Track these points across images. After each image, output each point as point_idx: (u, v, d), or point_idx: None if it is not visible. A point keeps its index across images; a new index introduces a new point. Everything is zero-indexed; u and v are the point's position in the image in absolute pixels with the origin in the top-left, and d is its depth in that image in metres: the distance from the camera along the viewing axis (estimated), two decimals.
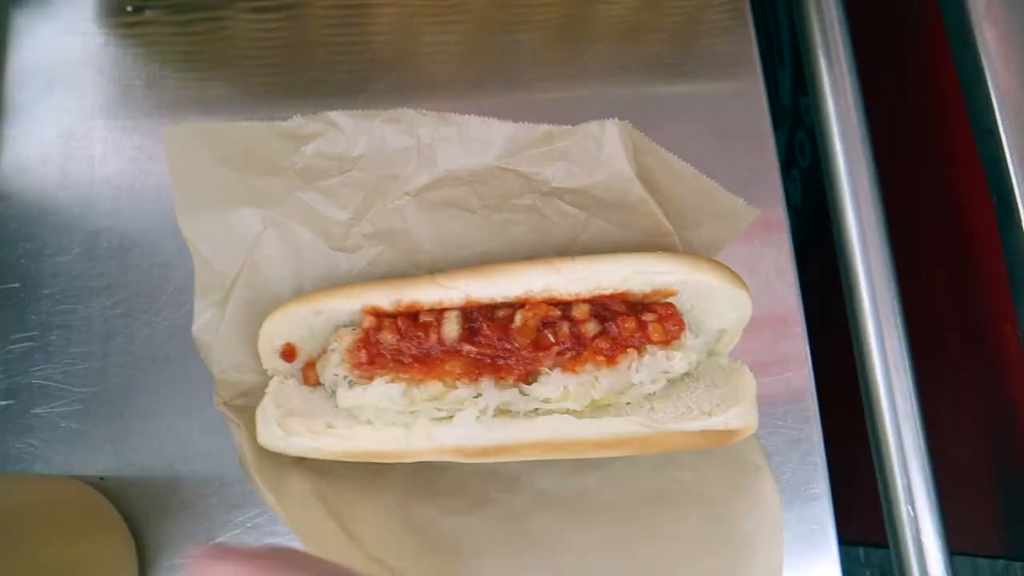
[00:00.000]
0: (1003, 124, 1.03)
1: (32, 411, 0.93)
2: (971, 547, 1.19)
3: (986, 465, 1.18)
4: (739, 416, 0.81)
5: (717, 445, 0.82)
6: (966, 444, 1.20)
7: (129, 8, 1.05)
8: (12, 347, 0.95)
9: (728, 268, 0.85)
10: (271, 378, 0.86)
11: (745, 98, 1.04)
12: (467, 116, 0.87)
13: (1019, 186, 1.01)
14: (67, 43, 1.05)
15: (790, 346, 0.97)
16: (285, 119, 0.88)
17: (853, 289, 1.03)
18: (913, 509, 0.94)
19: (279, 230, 0.89)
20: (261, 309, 0.87)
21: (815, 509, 0.92)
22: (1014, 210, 1.02)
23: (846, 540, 0.92)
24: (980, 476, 1.19)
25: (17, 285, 0.97)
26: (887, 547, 0.96)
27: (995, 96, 1.03)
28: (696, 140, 0.95)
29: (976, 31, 1.03)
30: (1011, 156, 1.02)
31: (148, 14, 1.05)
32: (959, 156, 1.15)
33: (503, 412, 0.81)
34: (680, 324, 0.84)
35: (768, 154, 1.03)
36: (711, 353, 0.88)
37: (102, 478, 0.91)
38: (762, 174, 1.02)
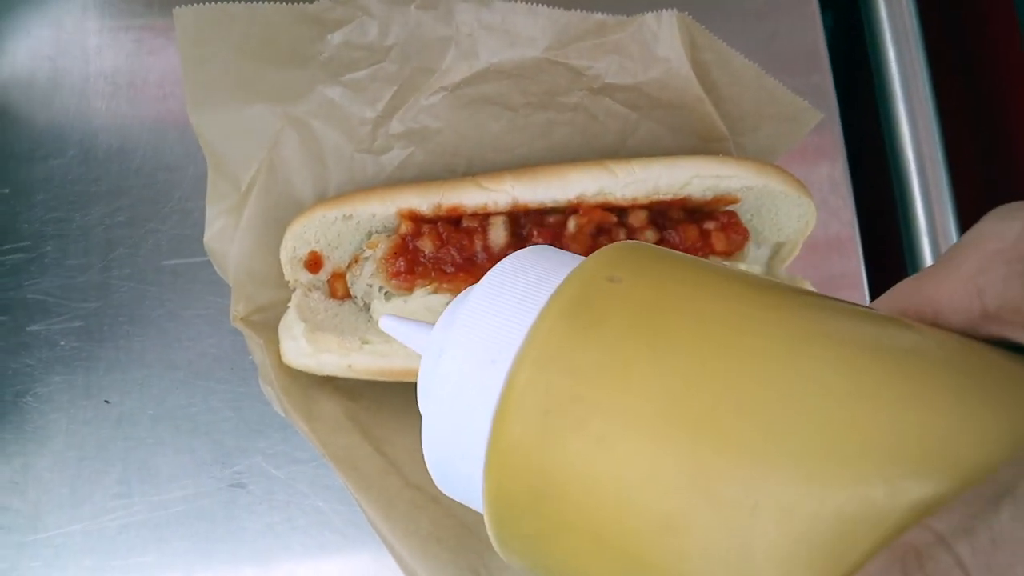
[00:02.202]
0: None
1: (28, 328, 0.85)
2: None
3: None
4: None
5: None
6: None
7: None
8: (3, 259, 0.87)
9: (793, 175, 0.78)
10: (293, 291, 0.78)
11: (797, 6, 0.97)
12: (512, 3, 0.79)
13: None
14: None
15: (845, 264, 0.91)
16: (310, 1, 0.79)
17: (908, 207, 0.97)
18: None
19: (300, 129, 0.81)
20: (280, 216, 0.79)
21: None
22: None
23: None
24: None
25: (7, 191, 0.88)
26: None
27: None
28: (744, 47, 0.87)
29: None
30: None
31: None
32: (1008, 70, 1.09)
33: None
34: (744, 233, 0.77)
35: (821, 64, 0.96)
36: (775, 264, 0.81)
37: (107, 401, 0.83)
38: (813, 85, 0.95)
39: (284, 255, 0.77)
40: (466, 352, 0.39)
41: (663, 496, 0.32)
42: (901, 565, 0.25)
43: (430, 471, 0.43)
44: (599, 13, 0.79)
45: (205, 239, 0.79)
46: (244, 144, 0.80)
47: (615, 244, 0.41)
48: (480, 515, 0.74)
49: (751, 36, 0.95)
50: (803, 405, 0.32)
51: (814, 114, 0.84)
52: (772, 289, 0.37)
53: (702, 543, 0.31)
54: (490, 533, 0.40)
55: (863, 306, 0.37)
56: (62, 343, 0.85)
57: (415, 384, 0.77)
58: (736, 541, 0.31)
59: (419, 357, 0.73)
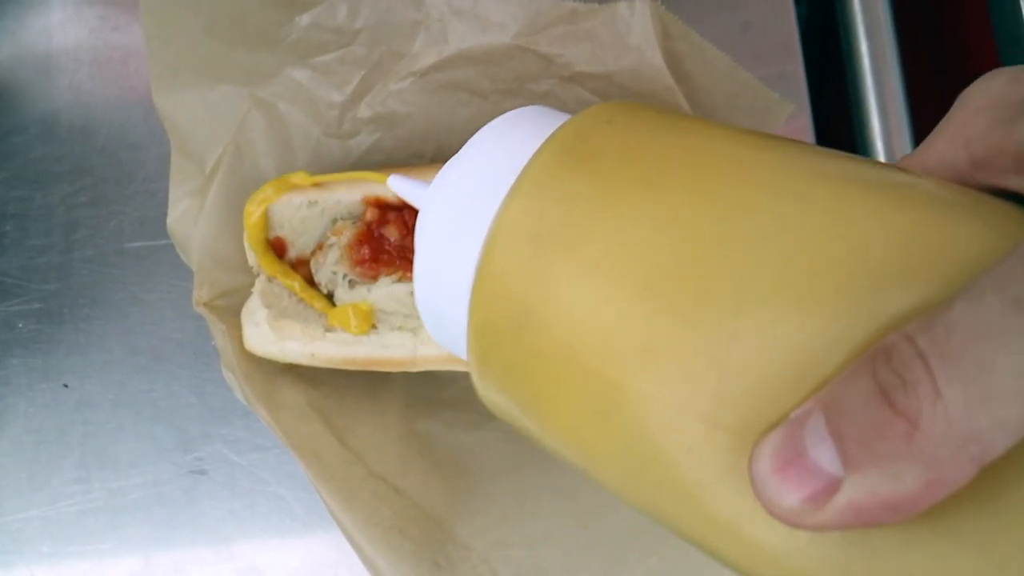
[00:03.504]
0: None
1: None
2: None
3: None
4: None
5: None
6: None
7: None
8: None
9: None
10: (257, 276, 0.77)
11: None
12: None
13: None
14: None
15: None
16: None
17: None
18: None
19: (267, 112, 0.79)
20: (246, 199, 0.78)
21: None
22: None
23: None
24: None
25: None
26: None
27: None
28: (716, 36, 0.87)
29: None
30: None
31: None
32: (981, 65, 1.09)
33: None
34: None
35: (793, 53, 0.96)
36: None
37: (66, 385, 0.82)
38: (786, 74, 0.95)
39: (247, 238, 0.76)
40: (460, 188, 0.40)
41: (646, 319, 0.33)
42: (871, 363, 0.28)
43: (421, 317, 0.43)
44: (571, 0, 0.78)
45: (168, 222, 0.77)
46: (209, 125, 0.79)
47: (620, 102, 0.41)
48: (444, 505, 0.74)
49: (724, 25, 0.94)
50: (791, 234, 0.32)
51: (785, 106, 0.83)
52: (765, 136, 0.38)
53: (681, 366, 0.32)
54: (471, 368, 0.40)
55: (857, 156, 0.38)
56: (20, 325, 0.83)
57: (379, 373, 0.77)
58: (716, 364, 0.31)
59: (384, 346, 0.73)
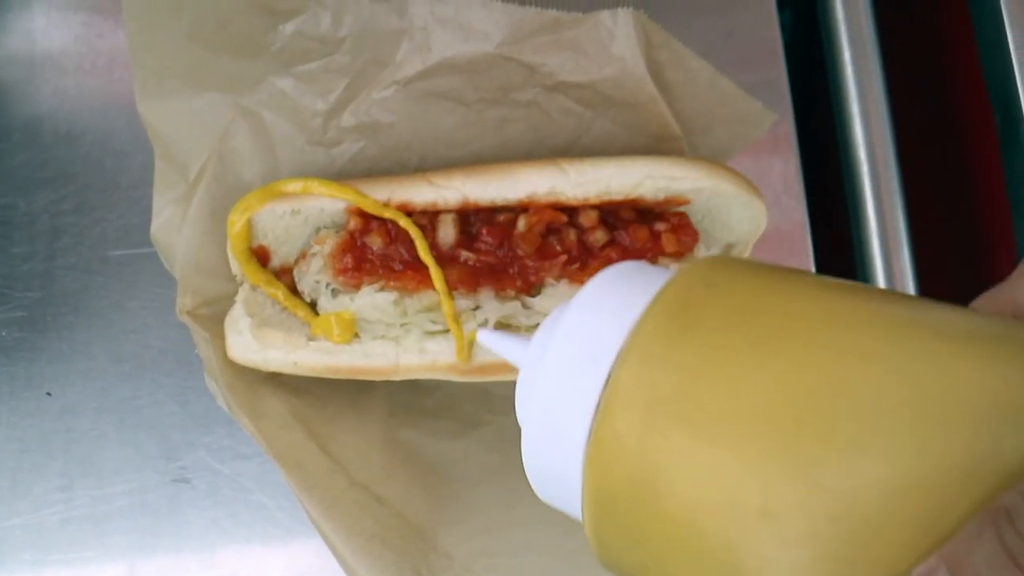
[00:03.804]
0: (1011, 39, 0.97)
1: None
2: None
3: None
4: None
5: None
6: None
7: None
8: None
9: (745, 176, 0.78)
10: (240, 285, 0.77)
11: (754, 4, 0.97)
12: None
13: None
14: None
15: (796, 262, 0.92)
16: None
17: (859, 207, 0.98)
18: None
19: (250, 120, 0.79)
20: (229, 207, 0.78)
21: None
22: (1018, 128, 0.97)
23: None
24: None
25: None
26: None
27: (1004, 9, 0.98)
28: (700, 44, 0.87)
29: None
30: (1018, 73, 0.97)
31: None
32: (962, 72, 1.10)
33: (503, 326, 0.74)
34: (694, 235, 0.77)
35: (777, 61, 0.96)
36: None
37: (49, 393, 0.82)
38: (769, 83, 0.95)
39: (230, 247, 0.76)
40: (567, 353, 0.42)
41: (764, 483, 0.34)
42: (993, 523, 0.29)
43: (528, 476, 0.46)
44: (555, 9, 0.78)
45: (152, 230, 0.78)
46: (193, 133, 0.79)
47: (706, 257, 0.45)
48: (427, 514, 0.74)
49: (709, 33, 0.94)
50: (900, 385, 0.33)
51: (768, 116, 0.84)
52: (855, 289, 0.39)
53: (801, 528, 0.33)
54: (588, 532, 0.41)
55: (942, 302, 0.39)
56: (3, 333, 0.83)
57: (361, 382, 0.77)
58: (835, 525, 0.32)
59: (366, 355, 0.73)
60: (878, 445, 0.32)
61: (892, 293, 0.39)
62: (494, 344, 0.54)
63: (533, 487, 0.46)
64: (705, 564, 0.36)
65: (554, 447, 0.42)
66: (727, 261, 0.43)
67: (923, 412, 0.32)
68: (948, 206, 1.17)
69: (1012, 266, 0.97)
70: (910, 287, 0.95)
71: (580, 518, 0.42)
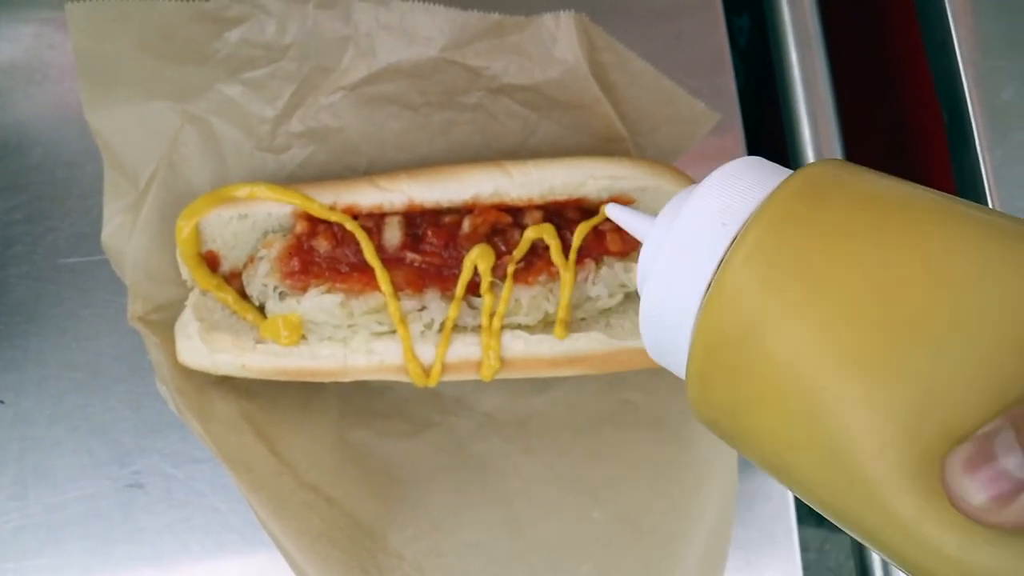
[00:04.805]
0: (957, 39, 0.99)
1: None
2: None
3: None
4: None
5: None
6: None
7: None
8: None
9: (688, 176, 0.80)
10: (191, 290, 0.78)
11: (701, 9, 0.98)
12: (410, 2, 0.79)
13: (972, 104, 0.97)
14: None
15: None
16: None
17: None
18: None
19: (199, 127, 0.80)
20: (179, 213, 0.78)
21: None
22: (966, 127, 0.98)
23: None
24: None
25: None
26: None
27: (949, 10, 0.99)
28: (648, 50, 0.88)
29: None
30: (964, 73, 0.98)
31: None
32: (911, 75, 1.11)
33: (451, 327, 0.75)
34: None
35: (724, 66, 0.97)
36: None
37: (2, 401, 0.82)
38: (717, 87, 0.96)
39: (179, 253, 0.77)
40: (695, 221, 0.47)
41: (866, 339, 0.40)
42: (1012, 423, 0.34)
43: (643, 334, 0.51)
44: (498, 13, 0.80)
45: (102, 237, 0.78)
46: (143, 141, 0.79)
47: (833, 159, 0.50)
48: (377, 514, 0.74)
49: (656, 38, 0.96)
50: (993, 286, 0.39)
51: (711, 116, 0.85)
52: (970, 205, 0.44)
53: (891, 380, 0.38)
54: (691, 373, 0.47)
55: None
56: None
57: (312, 385, 0.77)
58: (921, 382, 0.38)
59: (314, 356, 0.74)
60: (969, 329, 0.38)
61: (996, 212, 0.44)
62: (619, 217, 0.57)
63: (645, 343, 0.52)
64: (797, 405, 0.41)
65: (674, 300, 0.47)
66: (851, 164, 0.47)
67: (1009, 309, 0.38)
68: None
69: None
70: None
71: (683, 372, 0.48)
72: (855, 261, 0.41)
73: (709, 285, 0.45)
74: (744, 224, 0.45)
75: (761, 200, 0.45)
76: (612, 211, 0.58)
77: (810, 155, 0.98)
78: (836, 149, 0.98)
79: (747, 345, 0.43)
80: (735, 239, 0.44)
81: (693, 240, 0.46)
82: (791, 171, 0.47)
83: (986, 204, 0.95)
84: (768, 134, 1.06)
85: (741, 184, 0.47)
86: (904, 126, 1.14)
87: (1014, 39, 0.98)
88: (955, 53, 0.98)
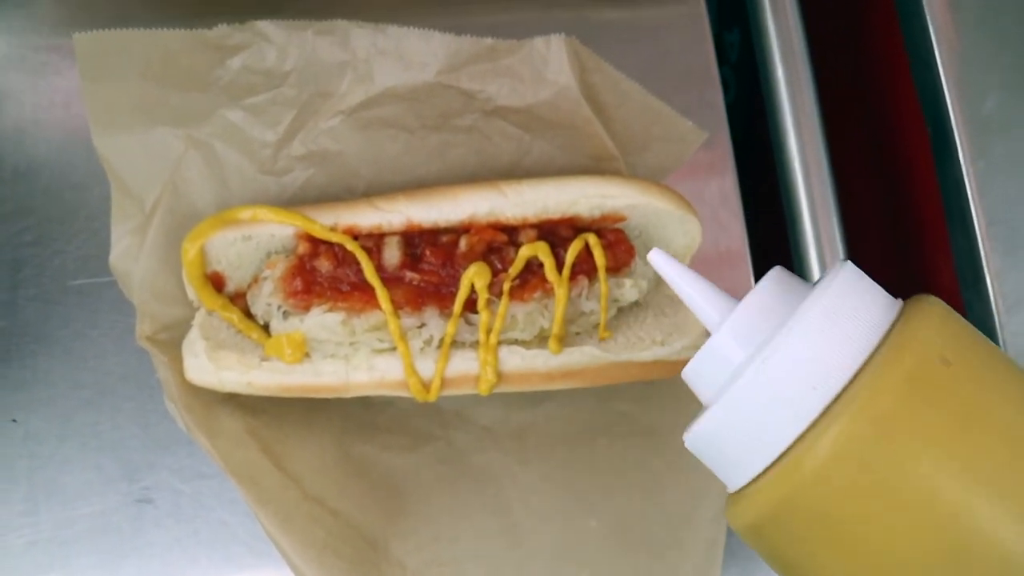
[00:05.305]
0: (939, 55, 1.01)
1: None
2: None
3: None
4: (690, 346, 0.79)
5: (668, 376, 0.79)
6: None
7: None
8: None
9: (677, 193, 0.82)
10: (197, 310, 0.80)
11: (688, 25, 1.01)
12: (406, 28, 0.81)
13: (955, 117, 0.99)
14: None
15: (736, 276, 0.95)
16: (209, 28, 0.81)
17: (796, 220, 1.01)
18: None
19: (203, 151, 0.83)
20: (184, 236, 0.81)
21: None
22: (950, 142, 1.00)
23: None
24: None
25: None
26: None
27: (932, 26, 1.02)
28: (637, 66, 0.91)
29: None
30: (947, 87, 1.01)
31: None
32: (895, 89, 1.14)
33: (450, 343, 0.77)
34: (631, 251, 0.81)
35: (712, 81, 1.00)
36: (659, 282, 0.85)
37: (14, 420, 0.85)
38: (705, 102, 0.99)
39: (185, 274, 0.79)
40: (789, 366, 0.47)
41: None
42: None
43: (690, 439, 0.52)
44: (490, 38, 0.82)
45: (110, 259, 0.81)
46: (148, 166, 0.82)
47: (937, 311, 0.51)
48: (380, 526, 0.76)
49: (644, 55, 0.98)
50: None
51: (699, 134, 0.88)
52: None
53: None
54: (757, 503, 0.48)
55: None
56: None
57: (315, 401, 0.80)
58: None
59: (317, 373, 0.76)
60: None
61: None
62: (686, 294, 0.56)
63: (690, 446, 0.52)
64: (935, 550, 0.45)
65: (742, 441, 0.48)
66: (956, 328, 0.49)
67: None
68: (884, 218, 1.20)
69: (950, 273, 1.01)
70: None
71: (732, 482, 0.50)
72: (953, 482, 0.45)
73: (785, 451, 0.47)
74: (839, 399, 0.46)
75: (858, 368, 0.46)
76: (677, 284, 0.56)
77: (797, 168, 1.00)
78: (822, 160, 1.01)
79: (820, 537, 0.46)
80: (823, 412, 0.46)
81: (779, 394, 0.47)
82: (892, 313, 0.50)
83: (970, 214, 0.97)
84: (757, 146, 1.08)
85: (840, 331, 0.48)
86: (889, 139, 1.16)
87: (995, 52, 1.00)
88: (937, 66, 1.01)
